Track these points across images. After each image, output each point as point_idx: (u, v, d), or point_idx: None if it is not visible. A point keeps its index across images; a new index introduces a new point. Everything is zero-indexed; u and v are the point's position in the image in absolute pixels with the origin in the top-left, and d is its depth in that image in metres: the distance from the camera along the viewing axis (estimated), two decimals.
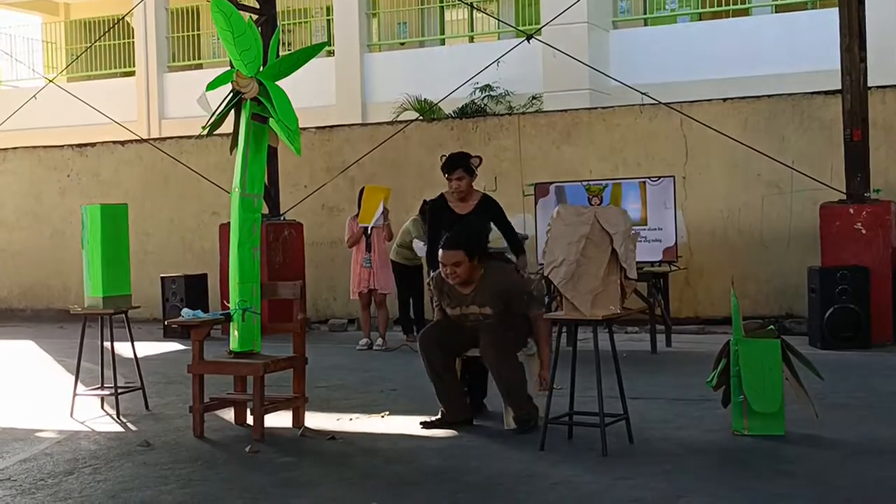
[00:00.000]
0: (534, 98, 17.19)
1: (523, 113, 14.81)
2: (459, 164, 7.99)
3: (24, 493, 5.39)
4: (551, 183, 11.38)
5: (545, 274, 6.06)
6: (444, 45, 20.58)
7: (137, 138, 16.05)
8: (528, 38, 12.70)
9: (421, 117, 15.08)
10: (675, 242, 10.69)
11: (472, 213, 7.91)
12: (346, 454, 6.23)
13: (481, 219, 7.87)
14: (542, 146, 13.40)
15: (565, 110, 13.88)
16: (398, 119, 15.75)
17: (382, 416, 7.28)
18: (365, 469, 5.85)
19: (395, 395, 8.27)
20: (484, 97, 16.98)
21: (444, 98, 14.06)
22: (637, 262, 6.12)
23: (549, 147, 13.36)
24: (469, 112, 15.93)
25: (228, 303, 7.00)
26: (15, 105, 15.46)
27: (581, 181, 11.36)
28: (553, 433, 6.17)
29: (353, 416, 7.30)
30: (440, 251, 6.60)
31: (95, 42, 19.34)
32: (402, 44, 20.92)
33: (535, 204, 11.24)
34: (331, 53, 19.65)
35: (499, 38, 19.29)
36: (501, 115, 14.86)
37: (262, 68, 6.85)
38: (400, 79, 18.03)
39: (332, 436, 6.66)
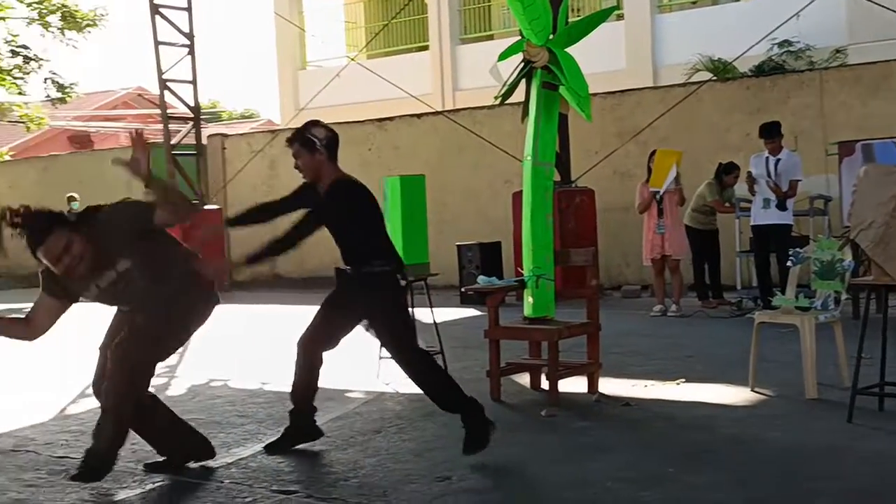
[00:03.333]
0: (837, 51, 16.24)
1: (826, 68, 14.03)
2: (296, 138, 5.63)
3: (337, 449, 5.75)
4: (857, 141, 10.73)
5: (851, 237, 5.73)
6: (738, 1, 19.82)
7: (433, 111, 16.57)
8: None
9: (714, 77, 14.63)
10: None
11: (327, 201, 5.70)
12: (640, 420, 6.20)
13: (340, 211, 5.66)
14: (846, 102, 12.65)
15: (874, 62, 13.02)
16: (690, 80, 15.36)
17: (678, 384, 7.19)
18: (660, 435, 5.81)
19: (691, 362, 8.12)
20: (782, 53, 16.24)
21: (738, 57, 13.56)
22: None
23: (855, 103, 12.60)
24: (766, 70, 15.29)
25: (522, 270, 7.12)
26: (320, 84, 16.38)
27: (892, 138, 10.62)
28: (862, 405, 5.85)
29: (648, 382, 7.25)
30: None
31: (392, 19, 20.11)
32: (694, 2, 20.34)
33: (840, 164, 10.64)
34: (620, 17, 19.42)
35: None
36: (801, 71, 14.16)
37: (551, 36, 6.87)
38: (692, 39, 17.55)
39: (626, 402, 6.64)
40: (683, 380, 7.27)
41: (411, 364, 5.57)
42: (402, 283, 5.65)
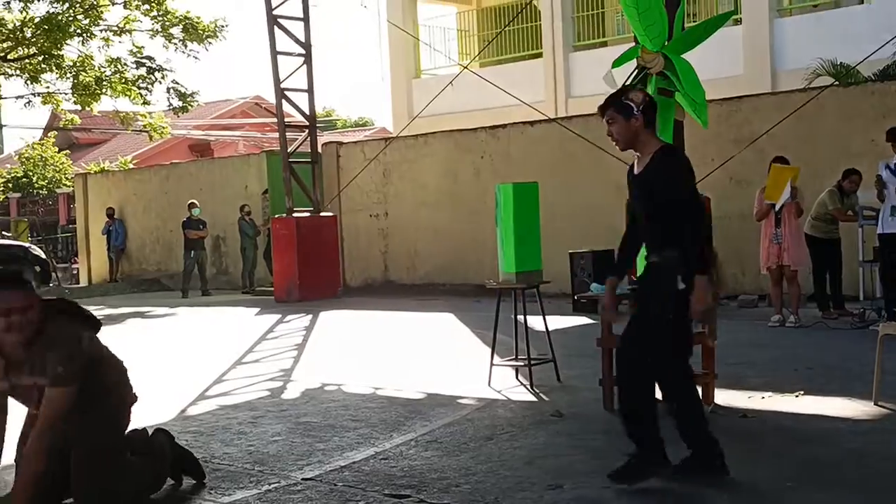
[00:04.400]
0: None
1: None
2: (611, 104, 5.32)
3: (449, 455, 5.77)
4: None
5: None
6: (862, 3, 19.25)
7: (545, 118, 16.53)
8: None
9: (836, 83, 14.25)
10: None
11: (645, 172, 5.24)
12: (757, 432, 6.06)
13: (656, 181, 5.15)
14: None
15: None
16: (811, 86, 14.98)
17: (797, 396, 7.01)
18: (777, 448, 5.67)
19: (811, 374, 7.91)
20: None
21: (862, 61, 13.16)
22: None
23: None
24: (892, 74, 14.81)
25: (636, 277, 7.04)
26: (434, 92, 16.49)
27: None
28: None
29: (765, 394, 7.09)
30: None
31: (505, 27, 20.14)
32: (815, 5, 19.84)
33: None
34: (737, 22, 19.06)
35: None
36: None
37: (667, 42, 6.79)
38: (812, 43, 17.11)
39: (743, 413, 6.51)
40: (802, 392, 7.09)
41: (667, 383, 5.12)
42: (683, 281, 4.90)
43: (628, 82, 7.00)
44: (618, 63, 7.01)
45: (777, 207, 10.79)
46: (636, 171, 5.28)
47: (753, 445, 5.78)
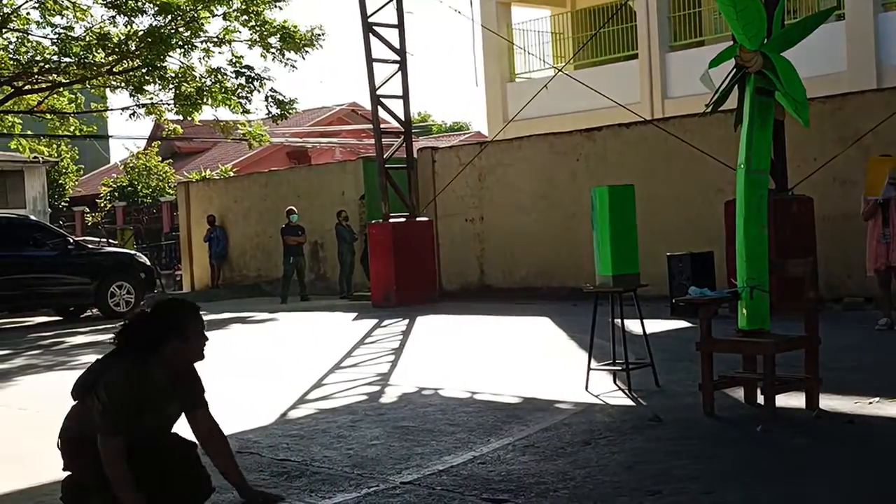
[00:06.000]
0: None
1: None
2: None
3: (546, 460, 5.75)
4: None
5: None
6: None
7: (641, 120, 16.37)
8: None
9: None
10: None
11: None
12: (863, 439, 5.91)
13: None
14: None
15: None
16: None
17: None
18: (884, 455, 5.52)
19: None
20: None
21: None
22: None
23: None
24: None
25: (736, 281, 6.94)
26: (528, 96, 16.47)
27: None
28: None
29: (873, 399, 6.89)
30: None
31: (600, 29, 20.00)
32: None
33: None
34: (840, 17, 18.61)
35: None
36: None
37: (766, 40, 6.67)
38: None
39: (849, 419, 6.35)
40: None
41: None
42: None
43: (726, 82, 6.90)
44: (715, 63, 6.91)
45: (881, 200, 10.50)
46: None
47: (862, 452, 5.63)
